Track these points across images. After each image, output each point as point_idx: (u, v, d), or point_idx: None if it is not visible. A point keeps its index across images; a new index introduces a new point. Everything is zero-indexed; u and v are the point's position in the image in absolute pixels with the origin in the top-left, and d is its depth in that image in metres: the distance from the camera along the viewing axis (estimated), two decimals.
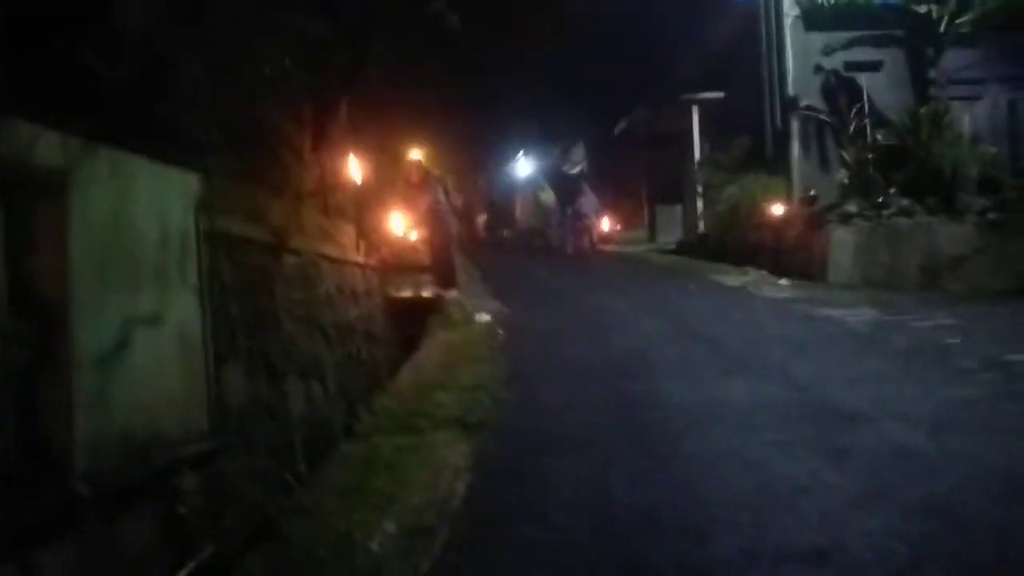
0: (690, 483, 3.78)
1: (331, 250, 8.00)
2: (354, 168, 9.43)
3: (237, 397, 5.01)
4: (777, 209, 13.57)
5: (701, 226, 18.44)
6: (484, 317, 9.20)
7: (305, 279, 6.93)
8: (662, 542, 3.13)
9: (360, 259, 9.30)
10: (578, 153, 33.57)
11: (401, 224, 10.45)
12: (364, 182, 10.52)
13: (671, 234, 21.01)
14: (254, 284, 5.69)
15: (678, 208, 21.31)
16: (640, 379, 5.92)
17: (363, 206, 10.22)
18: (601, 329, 8.28)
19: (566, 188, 22.30)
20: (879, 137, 12.83)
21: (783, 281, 11.49)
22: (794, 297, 10.08)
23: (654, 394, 5.45)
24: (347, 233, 9.14)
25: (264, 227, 6.11)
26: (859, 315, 8.29)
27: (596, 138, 30.39)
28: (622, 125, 26.01)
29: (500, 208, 38.23)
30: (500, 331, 8.43)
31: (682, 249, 18.35)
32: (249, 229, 5.78)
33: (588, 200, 20.36)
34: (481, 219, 33.21)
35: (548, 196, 21.03)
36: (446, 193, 12.52)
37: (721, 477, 3.81)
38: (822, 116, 14.30)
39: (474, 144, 27.92)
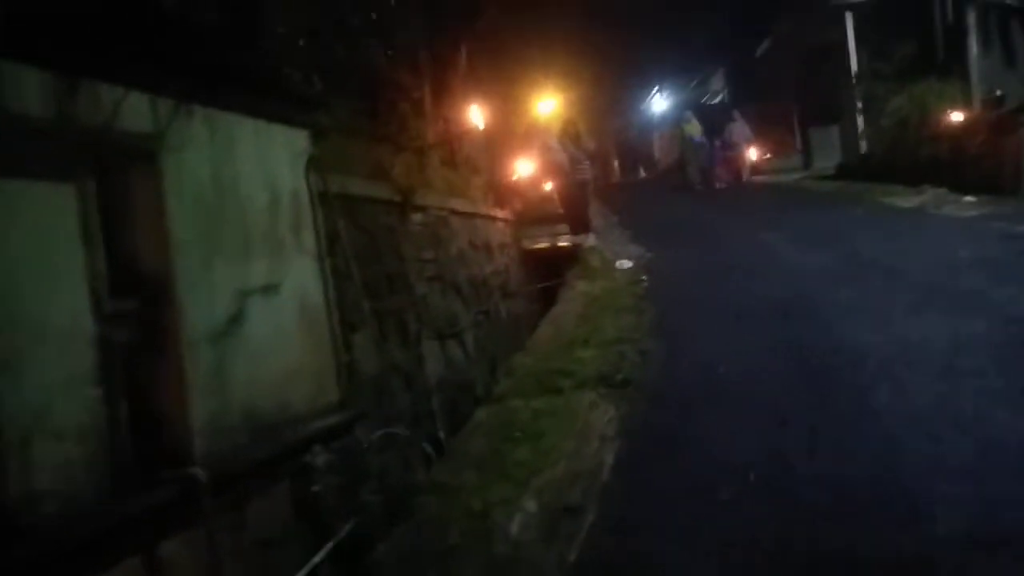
0: (887, 448, 3.10)
1: (460, 204, 7.67)
2: (478, 117, 9.01)
3: (370, 364, 4.79)
4: (955, 116, 11.89)
5: (863, 146, 16.70)
6: (625, 264, 8.62)
7: (434, 237, 6.64)
8: (862, 529, 2.52)
9: (492, 212, 8.95)
10: (718, 82, 31.60)
11: (530, 173, 9.97)
12: (490, 131, 10.12)
13: (828, 158, 19.20)
14: (380, 245, 5.43)
15: (834, 129, 19.41)
16: (809, 321, 5.17)
17: (491, 157, 9.84)
18: (757, 267, 7.46)
19: (712, 118, 20.61)
20: None
21: (968, 198, 10.03)
22: (984, 215, 8.73)
23: (829, 338, 4.70)
24: (476, 186, 8.80)
25: (387, 185, 5.83)
26: None
27: (736, 63, 28.38)
28: (765, 45, 24.06)
29: (636, 148, 36.94)
30: (643, 277, 7.82)
31: (842, 173, 16.69)
32: (370, 188, 5.51)
33: (739, 128, 18.64)
34: (616, 161, 32.29)
35: (695, 129, 19.42)
36: (576, 137, 11.89)
37: (928, 438, 3.11)
38: (1009, 2, 12.29)
39: (606, 84, 26.91)
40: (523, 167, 9.96)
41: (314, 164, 4.17)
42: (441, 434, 5.02)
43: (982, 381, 3.61)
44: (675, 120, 30.65)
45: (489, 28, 10.33)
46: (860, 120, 16.92)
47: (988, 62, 13.13)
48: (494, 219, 8.91)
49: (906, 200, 10.88)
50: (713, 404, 3.94)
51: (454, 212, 7.26)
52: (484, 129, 9.82)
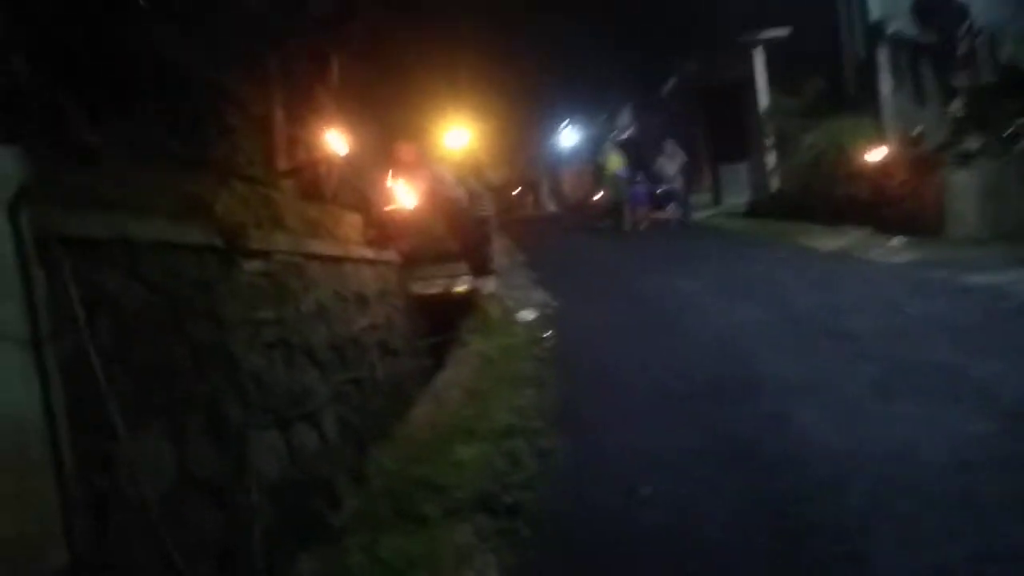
0: None
1: (324, 247, 6.25)
2: (357, 143, 7.61)
3: (143, 488, 3.30)
4: (875, 154, 11.32)
5: (774, 184, 16.19)
6: (528, 315, 7.38)
7: (280, 290, 5.19)
8: None
9: (370, 254, 7.55)
10: (625, 117, 31.33)
11: (420, 208, 8.62)
12: (374, 160, 8.77)
13: (738, 196, 18.75)
14: (183, 309, 3.97)
15: (743, 166, 19.00)
16: (753, 411, 3.99)
17: (373, 190, 8.48)
18: (679, 325, 6.34)
19: (633, 151, 18.89)
20: (999, 57, 10.42)
21: (894, 241, 9.33)
22: (918, 260, 7.97)
23: (782, 440, 3.53)
24: (351, 223, 7.39)
25: (203, 225, 4.39)
26: (1021, 281, 6.18)
27: (644, 99, 28.11)
28: (672, 82, 23.75)
29: (546, 182, 36.29)
30: (547, 334, 6.58)
31: (753, 211, 16.13)
32: (173, 230, 4.06)
33: (671, 161, 16.40)
34: (527, 197, 31.54)
35: (616, 162, 16.73)
36: (478, 170, 10.75)
37: None
38: (919, 40, 11.88)
39: (515, 117, 26.07)
40: (410, 201, 8.60)
41: (29, 198, 2.70)
42: None
43: (1012, 527, 2.46)
44: (590, 154, 29.80)
45: (375, 42, 9.04)
46: (770, 157, 16.44)
47: (899, 99, 12.73)
48: (373, 262, 7.51)
49: (828, 242, 10.14)
50: (634, 560, 2.66)
51: (313, 257, 5.84)
52: (366, 157, 8.46)
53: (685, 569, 2.56)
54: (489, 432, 4.21)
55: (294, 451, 4.84)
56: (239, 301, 4.59)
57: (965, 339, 4.67)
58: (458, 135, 17.51)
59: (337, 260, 6.50)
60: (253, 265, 4.84)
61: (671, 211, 16.43)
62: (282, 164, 5.69)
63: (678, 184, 16.32)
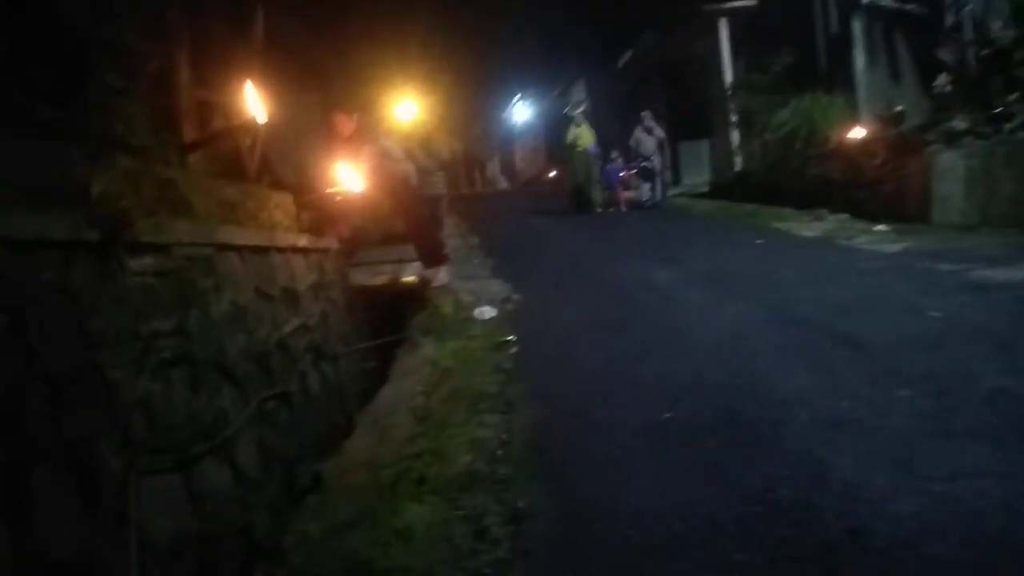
0: None
1: (244, 235, 5.22)
2: (267, 111, 6.50)
3: None
4: (851, 134, 10.67)
5: (738, 163, 15.52)
6: (487, 312, 6.48)
7: (182, 292, 4.17)
8: None
9: (305, 241, 6.52)
10: (579, 92, 30.46)
11: (363, 186, 7.57)
12: (308, 132, 7.70)
13: (698, 174, 18.12)
14: (40, 328, 2.96)
15: (704, 144, 18.33)
16: (778, 455, 3.16)
17: (307, 165, 7.42)
18: (663, 325, 5.51)
19: (600, 126, 17.36)
20: (987, 31, 9.78)
21: (879, 226, 8.68)
22: (912, 249, 7.31)
23: (833, 506, 2.70)
24: (280, 205, 6.34)
25: (72, 214, 3.36)
26: None
27: (598, 73, 27.26)
28: (627, 55, 22.95)
29: (498, 158, 35.27)
30: (511, 336, 5.68)
31: (717, 191, 15.47)
32: (20, 221, 3.04)
33: (649, 136, 14.81)
34: (476, 173, 30.57)
35: (587, 136, 14.95)
36: (427, 144, 9.75)
37: None
38: (907, 6, 11.22)
39: (464, 89, 24.96)
40: (352, 178, 7.54)
41: None
42: None
43: None
44: (543, 129, 28.39)
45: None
46: (734, 135, 15.76)
47: (874, 75, 12.12)
48: (306, 251, 6.49)
49: (805, 226, 9.46)
50: None
51: (228, 247, 4.82)
52: (300, 128, 7.39)
53: None
54: (445, 481, 3.31)
55: (197, 498, 3.86)
56: (122, 311, 3.57)
57: (1012, 355, 3.93)
58: (406, 107, 16.34)
59: (261, 250, 5.48)
60: (143, 263, 3.83)
61: (645, 191, 15.21)
62: (188, 134, 4.62)
63: (656, 161, 15.01)
